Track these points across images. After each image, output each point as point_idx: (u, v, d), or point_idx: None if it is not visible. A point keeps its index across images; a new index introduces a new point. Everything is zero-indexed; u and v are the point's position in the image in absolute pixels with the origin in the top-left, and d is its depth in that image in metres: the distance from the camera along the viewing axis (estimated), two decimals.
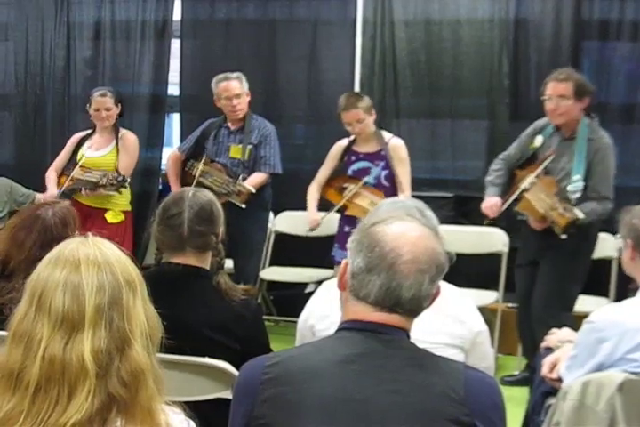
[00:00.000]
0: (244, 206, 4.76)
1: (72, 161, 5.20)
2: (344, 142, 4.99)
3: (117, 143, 5.18)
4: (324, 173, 5.03)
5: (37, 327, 1.44)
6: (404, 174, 4.81)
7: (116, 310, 1.46)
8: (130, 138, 5.24)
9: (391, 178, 4.82)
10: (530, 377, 3.88)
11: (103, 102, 5.13)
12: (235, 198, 4.75)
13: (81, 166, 5.06)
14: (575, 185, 4.16)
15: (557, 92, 4.19)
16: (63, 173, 5.20)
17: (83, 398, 1.40)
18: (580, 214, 4.01)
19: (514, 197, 4.22)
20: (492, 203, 4.36)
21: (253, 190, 4.79)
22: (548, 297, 4.30)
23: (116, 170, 5.06)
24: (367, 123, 4.79)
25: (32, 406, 1.40)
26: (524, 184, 4.18)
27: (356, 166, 4.91)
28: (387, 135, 4.92)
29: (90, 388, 1.41)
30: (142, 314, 1.50)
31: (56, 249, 1.53)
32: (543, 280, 4.35)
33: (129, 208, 5.24)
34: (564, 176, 4.23)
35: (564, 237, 4.05)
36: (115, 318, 1.46)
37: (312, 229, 4.97)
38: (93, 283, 1.46)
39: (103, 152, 5.18)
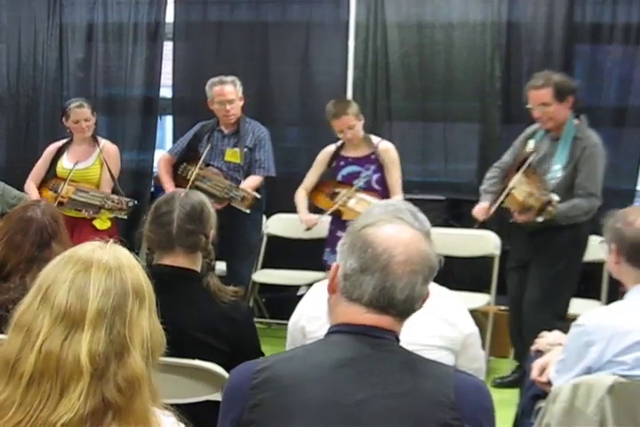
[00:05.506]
0: (248, 211, 4.74)
1: (51, 172, 5.12)
2: (331, 148, 4.99)
3: (99, 154, 5.09)
4: (311, 179, 5.02)
5: (39, 319, 1.45)
6: (395, 178, 4.82)
7: (119, 315, 1.47)
8: (111, 149, 5.17)
9: (383, 181, 4.82)
10: (520, 378, 3.88)
11: (82, 114, 5.05)
12: (239, 204, 4.72)
13: (70, 182, 4.96)
14: (554, 172, 4.18)
15: (538, 100, 4.19)
16: (44, 184, 5.11)
17: (75, 398, 1.40)
18: (555, 197, 3.99)
19: (502, 196, 4.22)
20: (480, 207, 4.40)
21: (258, 196, 4.77)
22: (538, 302, 4.29)
23: (116, 192, 4.97)
24: (358, 129, 4.79)
25: (24, 398, 1.41)
26: (512, 183, 4.20)
27: (345, 171, 4.90)
28: (375, 139, 4.91)
29: (83, 388, 1.41)
30: (146, 326, 1.51)
31: (72, 249, 1.55)
32: (533, 284, 4.35)
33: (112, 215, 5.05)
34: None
35: (539, 219, 4.03)
36: (116, 323, 1.46)
37: (309, 229, 4.91)
38: (100, 286, 1.47)
39: (85, 164, 5.08)
